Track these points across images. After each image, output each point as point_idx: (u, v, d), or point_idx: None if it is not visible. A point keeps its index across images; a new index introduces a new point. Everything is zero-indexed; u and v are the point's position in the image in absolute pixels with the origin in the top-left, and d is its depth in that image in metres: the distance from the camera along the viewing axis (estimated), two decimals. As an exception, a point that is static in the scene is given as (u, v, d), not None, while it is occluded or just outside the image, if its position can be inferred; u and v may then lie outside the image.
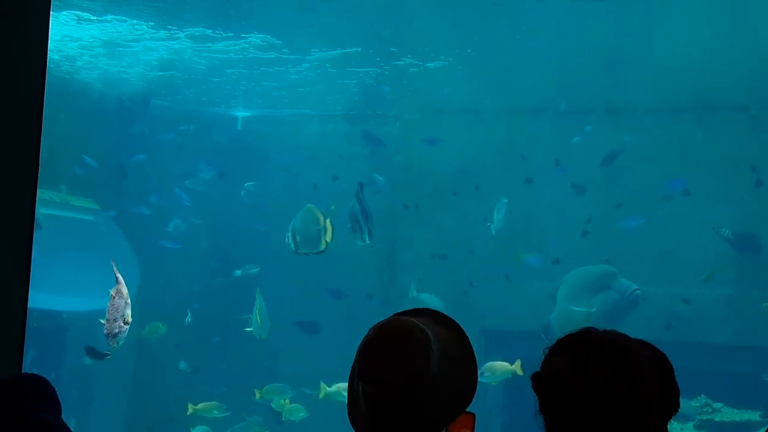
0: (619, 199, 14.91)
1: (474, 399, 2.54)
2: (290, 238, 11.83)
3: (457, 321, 2.62)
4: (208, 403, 13.92)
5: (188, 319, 15.03)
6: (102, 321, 8.25)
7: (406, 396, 2.31)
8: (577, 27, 13.18)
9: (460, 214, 16.17)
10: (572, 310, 12.37)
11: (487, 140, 16.03)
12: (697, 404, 11.77)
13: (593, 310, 12.23)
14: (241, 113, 18.79)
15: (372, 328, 2.42)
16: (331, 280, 16.24)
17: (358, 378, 2.41)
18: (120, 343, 8.17)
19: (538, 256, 14.46)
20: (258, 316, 12.43)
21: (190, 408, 13.66)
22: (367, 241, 11.67)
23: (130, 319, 8.10)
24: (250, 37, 14.70)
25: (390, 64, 15.95)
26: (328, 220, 11.53)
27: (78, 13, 13.35)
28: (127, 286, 8.22)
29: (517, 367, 11.67)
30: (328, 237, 11.54)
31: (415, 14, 13.80)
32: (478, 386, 2.52)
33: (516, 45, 14.45)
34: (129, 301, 8.14)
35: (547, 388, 2.36)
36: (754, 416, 12.23)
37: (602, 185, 15.11)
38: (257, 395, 13.74)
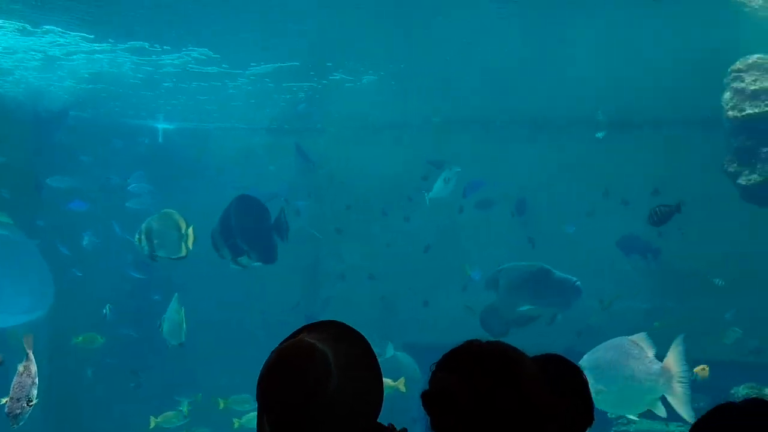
0: (539, 215, 15.22)
1: (398, 411, 2.54)
2: (143, 241, 11.38)
3: (367, 334, 2.61)
4: (168, 413, 13.87)
5: (107, 312, 14.64)
6: (3, 400, 7.71)
7: (305, 416, 2.32)
8: (502, 42, 13.39)
9: (386, 228, 16.28)
10: (512, 302, 12.46)
11: (415, 154, 16.17)
12: (613, 416, 12.02)
13: (526, 307, 12.35)
14: (167, 125, 18.66)
15: (272, 353, 2.41)
16: (256, 291, 16.15)
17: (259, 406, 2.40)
18: (21, 424, 7.60)
19: (480, 271, 14.60)
20: (171, 321, 12.12)
21: (153, 421, 13.53)
22: (228, 259, 11.41)
23: (34, 401, 7.45)
24: (189, 50, 14.63)
25: (327, 79, 16.03)
26: (191, 228, 11.25)
27: (15, 23, 13.04)
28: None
29: (400, 384, 11.90)
30: (190, 244, 11.25)
31: (349, 30, 13.85)
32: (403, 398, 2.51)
33: (446, 60, 14.62)
34: (36, 380, 7.52)
35: (434, 403, 2.35)
36: (671, 427, 12.53)
37: (525, 200, 15.38)
38: (221, 404, 13.64)
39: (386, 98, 16.17)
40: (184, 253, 11.29)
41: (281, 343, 2.46)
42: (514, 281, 12.34)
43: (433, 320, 15.23)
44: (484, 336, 2.48)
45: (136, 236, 11.47)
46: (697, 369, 11.54)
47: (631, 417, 9.18)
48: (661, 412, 8.25)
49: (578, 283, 12.04)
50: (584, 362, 8.21)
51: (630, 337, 8.35)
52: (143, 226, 11.51)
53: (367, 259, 16.20)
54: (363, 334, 2.63)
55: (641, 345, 8.21)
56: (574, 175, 15.20)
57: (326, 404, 2.34)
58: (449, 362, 2.38)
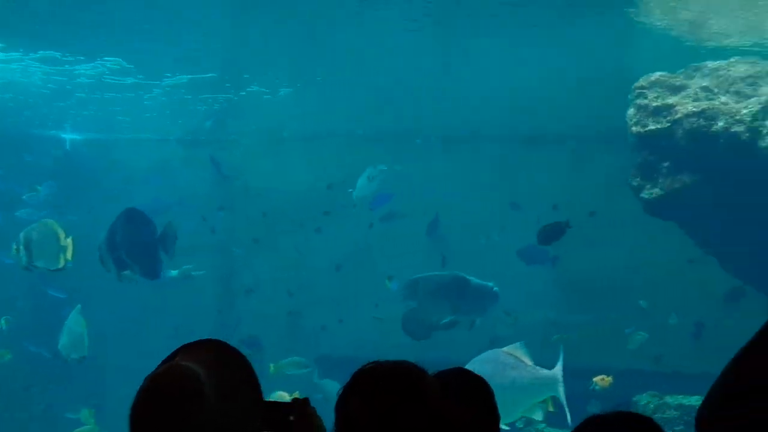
0: (451, 228, 15.42)
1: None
2: (22, 251, 11.06)
3: (280, 350, 2.55)
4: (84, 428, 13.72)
5: (2, 325, 14.18)
6: None
7: None
8: (413, 57, 13.56)
9: (300, 241, 16.23)
10: (432, 309, 12.57)
11: (330, 167, 16.19)
12: (521, 425, 12.22)
13: (448, 319, 12.47)
14: (75, 136, 18.24)
15: (145, 378, 2.35)
16: (168, 306, 15.88)
17: None
18: None
19: (398, 282, 14.66)
20: (72, 334, 11.76)
21: None
22: (113, 273, 11.13)
23: None
24: (103, 61, 14.40)
25: (245, 90, 15.96)
26: (70, 239, 11.00)
27: None
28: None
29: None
30: (69, 255, 10.99)
31: (262, 43, 13.82)
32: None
33: (359, 74, 14.72)
34: None
35: (337, 425, 2.34)
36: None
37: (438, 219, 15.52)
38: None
39: (302, 111, 16.17)
40: (62, 264, 11.00)
41: (156, 367, 2.39)
42: (433, 290, 12.50)
43: (345, 334, 15.22)
44: (402, 344, 2.51)
45: (14, 246, 11.11)
46: (597, 378, 11.81)
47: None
48: (538, 416, 8.63)
49: (496, 288, 12.29)
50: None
51: (504, 349, 8.69)
52: (22, 235, 11.18)
53: (279, 272, 16.09)
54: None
55: (517, 355, 8.55)
56: (484, 189, 15.44)
57: (201, 430, 2.28)
58: (351, 385, 2.37)
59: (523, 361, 8.51)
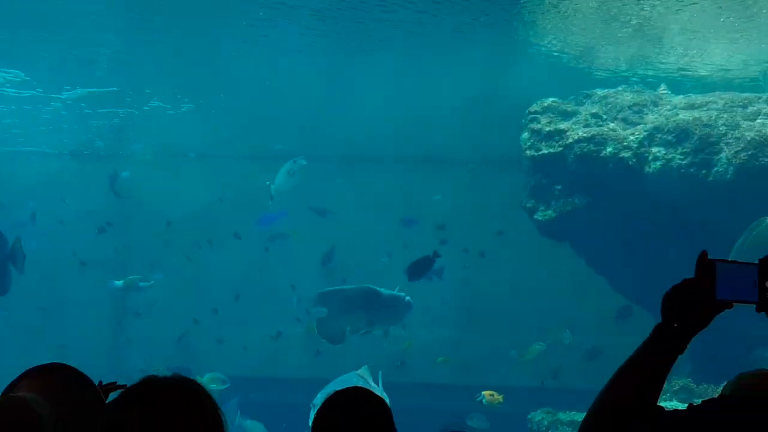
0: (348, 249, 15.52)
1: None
2: None
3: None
4: None
5: None
6: None
7: None
8: (307, 79, 13.64)
9: (196, 260, 16.02)
10: (346, 321, 12.62)
11: (228, 184, 16.05)
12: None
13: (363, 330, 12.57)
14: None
15: None
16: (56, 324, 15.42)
17: None
18: None
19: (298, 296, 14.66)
20: None
21: None
22: None
23: None
24: (3, 72, 13.97)
25: (148, 105, 15.69)
26: None
27: None
28: None
29: None
30: None
31: (164, 58, 13.65)
32: None
33: (260, 94, 14.69)
34: None
35: None
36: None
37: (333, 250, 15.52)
38: None
39: (204, 127, 16.00)
40: None
41: None
42: (346, 303, 12.54)
43: (241, 354, 15.08)
44: (300, 365, 2.46)
45: None
46: (486, 392, 12.01)
47: None
48: None
49: (408, 298, 12.40)
50: (317, 400, 9.01)
51: (357, 371, 9.46)
52: None
53: (172, 293, 15.77)
54: (163, 372, 2.51)
55: (365, 376, 9.31)
56: (384, 209, 15.56)
57: None
58: (123, 398, 2.29)
59: (367, 382, 9.07)
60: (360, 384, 8.68)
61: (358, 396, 2.83)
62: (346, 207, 15.59)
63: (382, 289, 12.57)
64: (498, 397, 12.03)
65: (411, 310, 12.65)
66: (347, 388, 2.88)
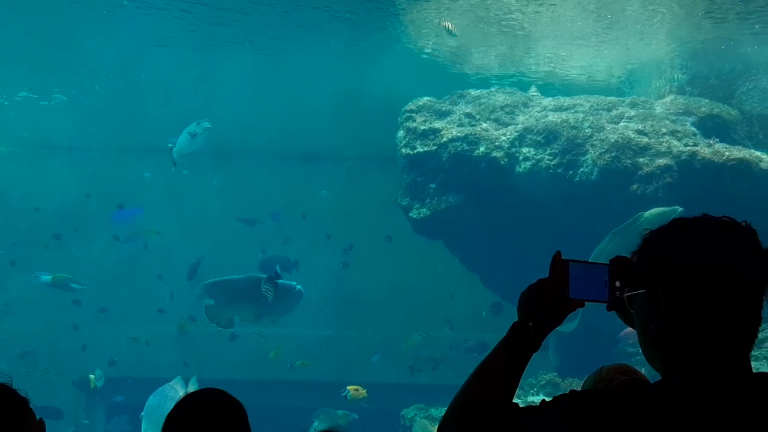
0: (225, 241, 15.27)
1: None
2: None
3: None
4: None
5: None
6: None
7: None
8: (183, 72, 13.36)
9: (64, 255, 15.39)
10: (235, 311, 12.40)
11: (97, 179, 15.52)
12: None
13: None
14: None
15: None
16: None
17: None
18: None
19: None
20: None
21: None
22: None
23: None
24: None
25: (18, 95, 14.97)
26: None
27: None
28: None
29: None
30: None
31: (35, 46, 13.07)
32: None
33: (124, 86, 14.28)
34: None
35: None
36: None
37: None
38: None
39: (74, 120, 15.43)
40: None
41: None
42: (234, 294, 12.30)
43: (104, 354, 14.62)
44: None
45: None
46: (351, 387, 12.05)
47: None
48: None
49: (299, 287, 12.29)
50: (144, 412, 9.94)
51: (170, 383, 10.08)
52: None
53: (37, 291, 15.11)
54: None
55: (176, 387, 9.92)
56: (261, 204, 15.40)
57: None
58: None
59: (179, 393, 9.51)
60: (169, 395, 9.18)
61: (210, 397, 2.77)
62: (222, 203, 15.36)
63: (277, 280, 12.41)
64: (362, 392, 12.07)
65: (302, 299, 12.58)
66: (199, 391, 2.82)
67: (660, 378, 2.18)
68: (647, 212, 10.31)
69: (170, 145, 12.88)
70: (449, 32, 11.89)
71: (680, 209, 10.11)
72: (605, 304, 2.34)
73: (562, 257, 2.36)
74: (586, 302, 2.39)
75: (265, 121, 14.34)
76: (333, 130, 14.53)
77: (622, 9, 11.35)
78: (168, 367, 14.24)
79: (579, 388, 2.65)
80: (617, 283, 2.29)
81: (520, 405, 2.21)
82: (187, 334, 13.83)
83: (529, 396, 11.22)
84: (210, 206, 15.38)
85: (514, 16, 11.21)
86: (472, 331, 14.54)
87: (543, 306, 2.32)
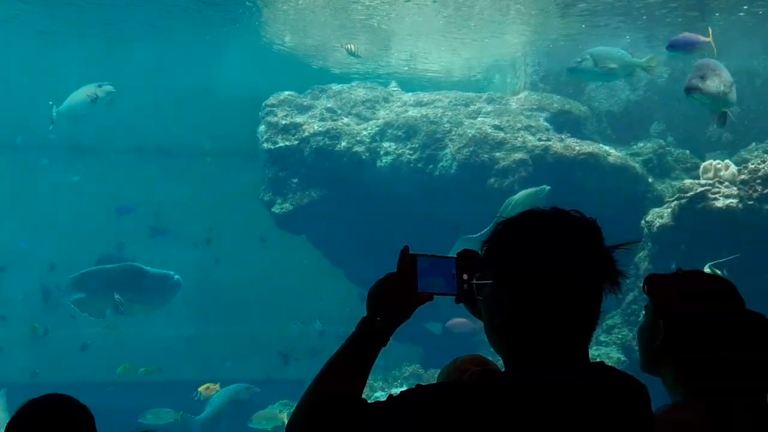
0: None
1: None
2: None
3: None
4: None
5: None
6: None
7: None
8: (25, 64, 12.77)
9: None
10: (108, 301, 11.81)
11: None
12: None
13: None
14: None
15: None
16: None
17: None
18: None
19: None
20: None
21: None
22: None
23: None
24: None
25: None
26: None
27: None
28: None
29: None
30: None
31: None
32: None
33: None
34: None
35: None
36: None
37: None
38: None
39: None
40: None
41: None
42: (106, 284, 11.79)
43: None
44: None
45: None
46: (202, 388, 11.82)
47: None
48: None
49: (177, 277, 11.92)
50: None
51: None
52: None
53: None
54: None
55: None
56: (117, 200, 14.95)
57: None
58: None
59: None
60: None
61: (53, 404, 2.67)
62: (76, 199, 14.81)
63: (148, 268, 12.00)
64: (214, 388, 11.85)
65: (179, 290, 12.25)
66: (41, 397, 2.71)
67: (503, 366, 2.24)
68: (515, 196, 10.51)
69: (51, 102, 11.83)
70: (352, 53, 12.04)
71: (548, 188, 10.40)
72: (454, 297, 2.37)
73: (410, 251, 2.38)
74: (435, 296, 2.41)
75: (121, 116, 13.87)
76: (191, 125, 14.25)
77: (474, 5, 11.61)
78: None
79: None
80: (465, 276, 2.33)
81: (390, 395, 2.22)
82: (39, 337, 13.23)
83: (392, 388, 11.35)
84: (62, 203, 14.78)
85: (372, 12, 11.29)
86: (340, 325, 14.56)
87: (391, 301, 2.34)
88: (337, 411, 2.20)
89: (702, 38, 8.95)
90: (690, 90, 8.03)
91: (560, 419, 2.05)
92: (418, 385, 2.19)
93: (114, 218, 14.70)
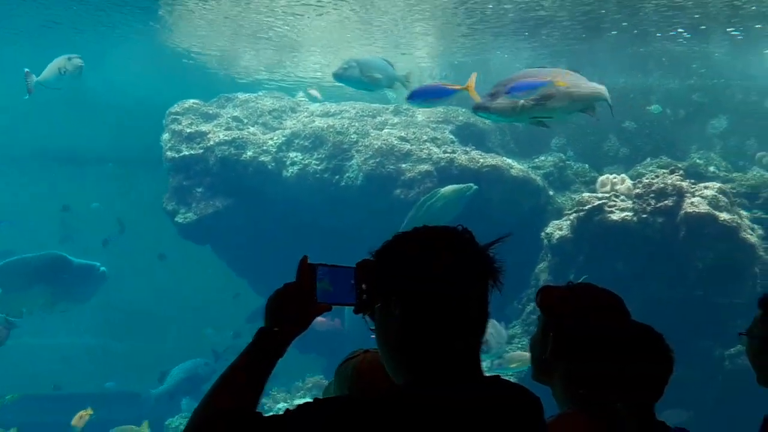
0: None
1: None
2: None
3: None
4: None
5: None
6: None
7: None
8: None
9: None
10: (30, 292, 11.13)
11: None
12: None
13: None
14: None
15: None
16: None
17: None
18: None
19: None
20: None
21: None
22: None
23: None
24: None
25: None
26: None
27: None
28: None
29: None
30: None
31: None
32: None
33: None
34: None
35: None
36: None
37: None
38: None
39: None
40: None
41: None
42: (27, 274, 11.14)
43: None
44: None
45: None
46: (74, 420, 10.70)
47: None
48: None
49: (103, 268, 11.47)
50: None
51: None
52: None
53: None
54: None
55: None
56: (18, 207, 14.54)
57: None
58: None
59: None
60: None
61: None
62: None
63: (72, 257, 11.46)
64: (87, 414, 10.73)
65: (105, 282, 11.80)
66: None
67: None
68: (443, 189, 10.55)
69: (26, 69, 10.94)
70: (314, 98, 12.27)
71: (475, 187, 10.51)
72: (353, 308, 2.38)
73: (310, 261, 2.38)
74: (333, 306, 2.41)
75: (14, 121, 13.46)
76: (90, 132, 13.94)
77: (382, 15, 11.70)
78: None
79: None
80: (363, 286, 2.34)
81: (286, 408, 2.20)
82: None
83: (295, 399, 11.28)
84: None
85: (276, 24, 11.26)
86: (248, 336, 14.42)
87: (288, 310, 2.33)
88: (231, 426, 2.17)
89: (451, 86, 8.92)
90: (476, 109, 7.86)
91: None
92: (315, 399, 2.18)
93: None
